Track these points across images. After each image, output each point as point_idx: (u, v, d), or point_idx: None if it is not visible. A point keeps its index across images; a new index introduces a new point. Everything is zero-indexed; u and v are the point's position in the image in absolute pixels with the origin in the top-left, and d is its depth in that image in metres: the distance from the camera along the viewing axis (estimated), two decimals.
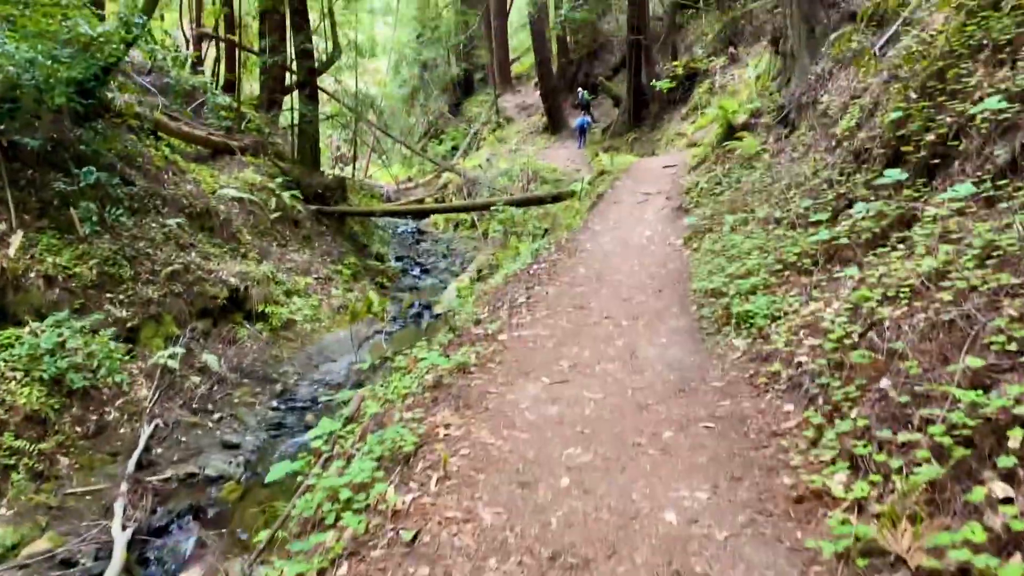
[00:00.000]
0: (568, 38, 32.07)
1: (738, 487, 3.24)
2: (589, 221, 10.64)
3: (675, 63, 20.33)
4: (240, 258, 14.73)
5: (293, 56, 21.86)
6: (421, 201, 30.10)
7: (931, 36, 6.05)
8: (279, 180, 17.99)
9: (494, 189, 25.10)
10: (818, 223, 5.89)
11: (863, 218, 5.11)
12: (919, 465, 2.63)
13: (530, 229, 16.70)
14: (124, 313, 10.11)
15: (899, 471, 2.71)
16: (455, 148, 33.94)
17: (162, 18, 26.68)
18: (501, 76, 36.12)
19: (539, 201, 17.47)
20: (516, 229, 16.94)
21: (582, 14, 25.62)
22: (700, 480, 3.36)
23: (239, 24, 25.25)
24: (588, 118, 28.43)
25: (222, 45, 25.53)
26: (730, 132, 10.49)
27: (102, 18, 13.43)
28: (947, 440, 2.58)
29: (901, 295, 3.78)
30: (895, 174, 4.90)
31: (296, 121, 20.56)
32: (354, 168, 33.09)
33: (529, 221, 19.58)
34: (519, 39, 42.11)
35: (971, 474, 2.49)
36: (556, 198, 17.35)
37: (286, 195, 17.28)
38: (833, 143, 6.95)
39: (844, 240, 5.15)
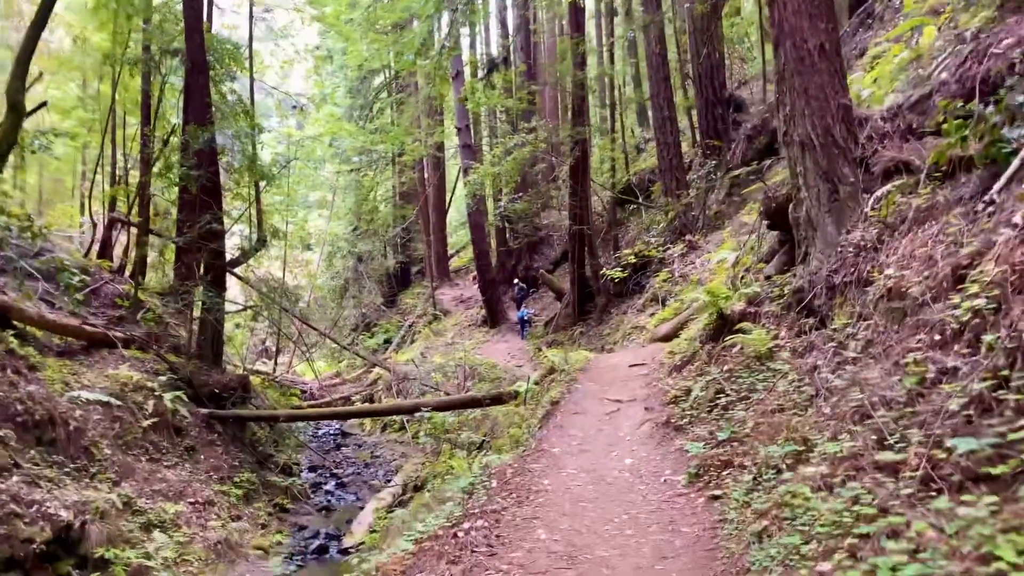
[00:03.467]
0: (507, 230, 30.53)
1: None
2: (544, 439, 7.55)
3: (627, 251, 18.29)
4: (87, 480, 11.04)
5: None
6: (348, 399, 26.75)
7: None
8: (164, 379, 14.55)
9: (427, 387, 22.07)
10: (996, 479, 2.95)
11: None
12: None
13: (464, 440, 13.49)
14: None
15: None
16: (388, 341, 31.06)
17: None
18: (439, 269, 34.16)
19: (476, 404, 14.44)
20: (448, 437, 13.73)
21: (522, 205, 24.04)
22: None
23: (149, 207, 22.61)
24: (530, 310, 26.17)
25: (134, 231, 22.86)
26: (722, 324, 7.77)
27: None
28: None
29: None
30: None
31: (198, 312, 17.47)
32: (275, 364, 29.71)
33: (465, 429, 16.43)
34: (459, 235, 40.88)
35: None
36: (495, 400, 14.36)
37: (168, 396, 13.79)
38: (939, 336, 4.16)
39: None
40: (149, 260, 27.63)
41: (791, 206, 7.23)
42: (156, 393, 13.93)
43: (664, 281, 15.39)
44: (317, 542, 13.22)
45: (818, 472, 4.30)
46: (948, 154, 5.63)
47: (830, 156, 6.82)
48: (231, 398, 16.00)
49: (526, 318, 25.85)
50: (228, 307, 23.00)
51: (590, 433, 7.47)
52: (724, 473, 5.47)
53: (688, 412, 7.09)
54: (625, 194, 25.30)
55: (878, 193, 6.19)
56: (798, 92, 6.97)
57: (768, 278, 8.45)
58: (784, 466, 4.74)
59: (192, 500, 12.72)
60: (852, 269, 6.17)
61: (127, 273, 23.56)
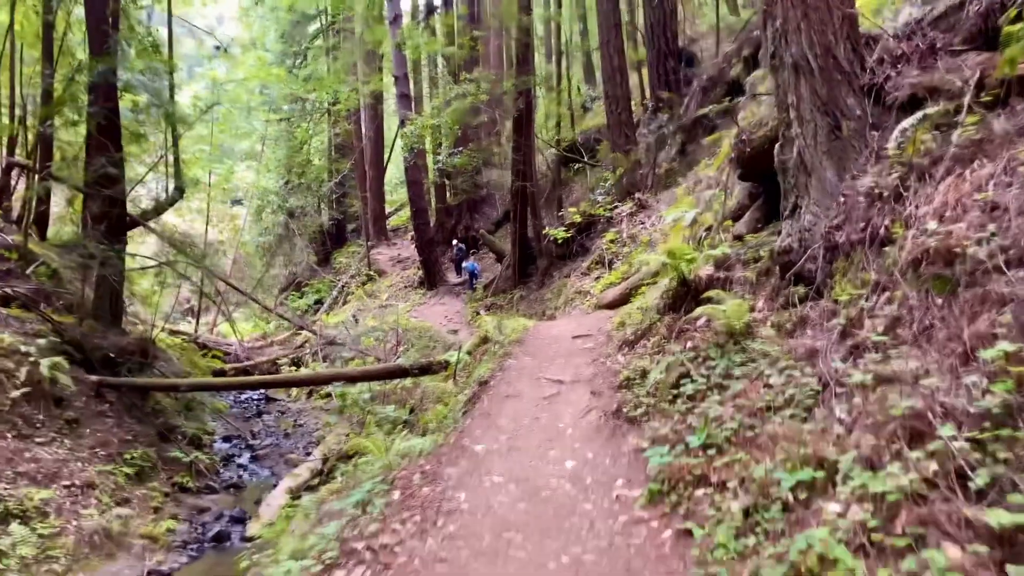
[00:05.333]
0: (447, 188, 28.62)
1: None
2: (467, 431, 5.97)
3: (572, 210, 16.68)
4: None
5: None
6: (274, 363, 24.75)
7: None
8: (43, 342, 12.49)
9: (356, 351, 20.32)
10: None
11: None
12: None
13: (387, 415, 11.89)
14: None
15: None
16: (320, 302, 29.00)
17: None
18: (375, 227, 32.05)
19: (403, 374, 12.80)
20: (368, 411, 12.13)
21: (461, 159, 22.15)
22: None
23: (51, 149, 19.99)
24: (476, 264, 24.54)
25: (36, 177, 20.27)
26: (684, 292, 6.26)
27: None
28: None
29: None
30: None
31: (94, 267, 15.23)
32: (197, 324, 27.41)
33: (393, 397, 14.84)
34: (400, 193, 38.64)
35: None
36: (424, 370, 12.76)
37: (45, 362, 11.74)
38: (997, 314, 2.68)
39: None
40: (57, 210, 24.96)
41: (777, 147, 5.69)
42: (31, 359, 11.87)
43: (611, 242, 13.86)
44: (218, 527, 11.50)
45: (854, 520, 2.80)
46: (1001, 75, 4.13)
47: (831, 83, 5.28)
48: (126, 364, 13.96)
49: (476, 272, 24.35)
50: (136, 263, 20.78)
51: (524, 424, 5.90)
52: (698, 494, 3.96)
53: (644, 400, 5.56)
54: (570, 153, 23.67)
55: (903, 126, 4.68)
56: (793, 0, 5.39)
57: (739, 238, 6.97)
58: (794, 499, 3.24)
59: (68, 483, 10.83)
60: (862, 224, 4.68)
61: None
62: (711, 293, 5.89)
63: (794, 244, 5.38)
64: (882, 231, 4.48)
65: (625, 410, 5.62)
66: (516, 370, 7.35)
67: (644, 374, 5.93)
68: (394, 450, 8.75)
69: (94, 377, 13.04)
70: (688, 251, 6.36)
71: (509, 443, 5.55)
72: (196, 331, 27.03)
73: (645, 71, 23.40)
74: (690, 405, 5.07)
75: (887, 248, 4.40)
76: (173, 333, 25.85)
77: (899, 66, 5.18)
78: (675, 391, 5.40)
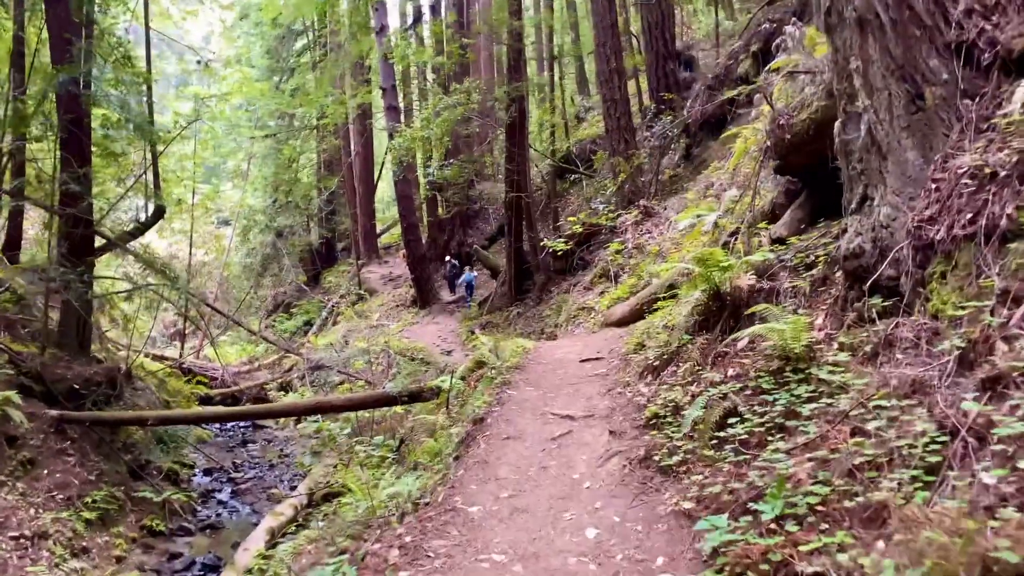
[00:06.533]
0: (439, 202, 27.49)
1: None
2: (458, 484, 4.77)
3: (571, 219, 15.53)
4: None
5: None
6: (262, 387, 23.54)
7: None
8: None
9: (345, 375, 19.14)
10: None
11: None
12: None
13: (374, 448, 10.70)
14: None
15: None
16: (309, 323, 27.76)
17: None
18: (366, 245, 30.89)
19: (391, 402, 11.65)
20: (349, 449, 10.96)
21: (452, 170, 21.03)
22: None
23: (23, 169, 18.80)
24: (474, 273, 23.47)
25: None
26: (720, 306, 5.10)
27: None
28: None
29: None
30: None
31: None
32: (182, 349, 26.10)
33: (382, 425, 13.67)
34: (392, 211, 37.50)
35: None
36: (414, 397, 11.58)
37: None
38: None
39: None
40: (35, 232, 23.86)
41: (838, 125, 4.54)
42: None
43: (616, 253, 12.69)
44: (193, 573, 10.34)
45: None
46: None
47: (908, 40, 4.15)
48: (93, 396, 12.70)
49: (473, 283, 23.32)
50: (111, 286, 19.56)
51: (529, 474, 4.71)
52: None
53: (680, 444, 4.39)
54: (565, 164, 22.61)
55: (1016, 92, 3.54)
56: None
57: (779, 241, 5.82)
58: None
59: (15, 534, 9.56)
60: (970, 214, 3.53)
61: None
62: (758, 308, 4.72)
63: (865, 245, 4.22)
64: (1003, 221, 3.33)
65: (656, 457, 4.43)
66: (517, 403, 6.15)
67: (677, 409, 4.75)
68: (380, 494, 7.59)
69: (54, 412, 11.78)
70: (722, 257, 5.20)
71: (512, 502, 4.36)
72: (181, 356, 25.77)
73: (641, 78, 22.47)
74: (744, 453, 3.89)
75: (1013, 244, 3.26)
76: (157, 359, 24.56)
77: (994, 17, 4.07)
78: (720, 432, 4.22)
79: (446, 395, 10.28)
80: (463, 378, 10.33)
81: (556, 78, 24.04)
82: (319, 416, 13.63)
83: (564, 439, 5.20)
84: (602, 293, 12.09)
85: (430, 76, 28.70)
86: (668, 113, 15.45)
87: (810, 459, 3.47)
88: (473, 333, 18.91)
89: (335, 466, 13.23)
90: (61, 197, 13.52)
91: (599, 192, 18.43)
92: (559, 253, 15.35)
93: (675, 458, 4.34)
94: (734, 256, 5.99)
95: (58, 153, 14.98)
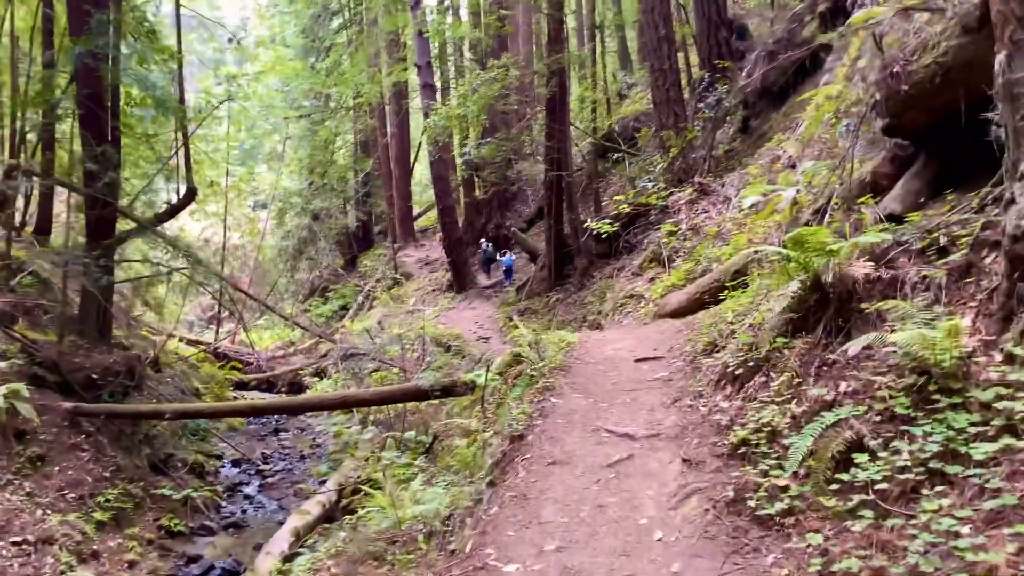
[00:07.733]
0: (475, 183, 26.44)
1: None
2: (491, 527, 3.69)
3: (617, 198, 14.32)
4: None
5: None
6: (297, 373, 22.95)
7: None
8: (5, 364, 10.57)
9: (380, 361, 18.30)
10: None
11: None
12: None
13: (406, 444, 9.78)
14: None
15: None
16: (345, 308, 27.04)
17: None
18: (403, 228, 30.02)
19: (422, 396, 10.69)
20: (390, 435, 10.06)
21: (489, 149, 19.94)
22: None
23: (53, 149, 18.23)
24: (512, 257, 22.51)
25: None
26: (821, 300, 3.91)
27: None
28: None
29: None
30: None
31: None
32: (216, 334, 25.61)
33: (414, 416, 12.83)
34: (429, 193, 36.66)
35: None
36: (446, 391, 10.60)
37: (1, 390, 9.78)
38: None
39: None
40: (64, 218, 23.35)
41: (1000, 61, 3.32)
42: None
43: (669, 235, 11.44)
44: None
45: None
46: None
47: None
48: (109, 387, 11.97)
49: (511, 267, 22.60)
50: (137, 270, 19.00)
51: (581, 516, 3.64)
52: None
53: (783, 484, 3.28)
54: (607, 142, 21.32)
55: None
56: None
57: (893, 218, 4.60)
58: None
59: (18, 538, 8.81)
60: None
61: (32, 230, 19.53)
62: (881, 304, 3.54)
63: None
64: None
65: (751, 502, 3.32)
66: (562, 415, 5.06)
67: (774, 435, 3.62)
68: (407, 507, 6.71)
69: (68, 404, 11.08)
70: (826, 237, 4.03)
71: (560, 558, 3.29)
72: (216, 340, 25.29)
73: (691, 51, 21.06)
74: (886, 509, 2.75)
75: None
76: (192, 343, 24.11)
77: None
78: (843, 476, 3.08)
79: (481, 392, 9.27)
80: (500, 373, 9.30)
81: (598, 52, 22.70)
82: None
83: (623, 466, 4.10)
84: (652, 280, 10.89)
85: (467, 54, 27.59)
86: (723, 82, 14.08)
87: (994, 526, 2.34)
88: (511, 320, 17.90)
89: (367, 459, 12.39)
90: (83, 177, 12.82)
91: (644, 171, 17.14)
92: (602, 236, 14.14)
93: (778, 505, 3.22)
94: (845, 234, 4.80)
95: (77, 130, 14.33)
